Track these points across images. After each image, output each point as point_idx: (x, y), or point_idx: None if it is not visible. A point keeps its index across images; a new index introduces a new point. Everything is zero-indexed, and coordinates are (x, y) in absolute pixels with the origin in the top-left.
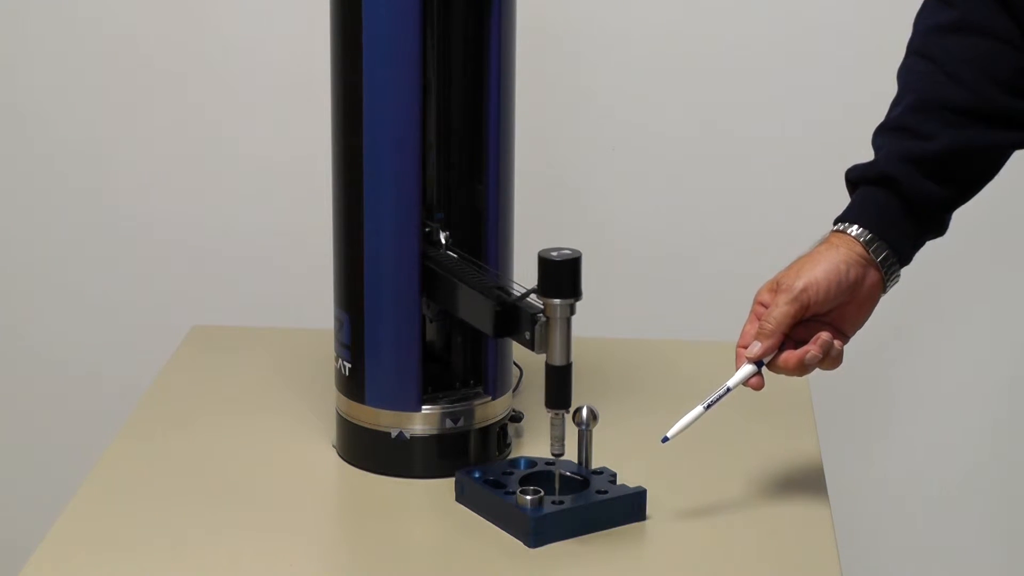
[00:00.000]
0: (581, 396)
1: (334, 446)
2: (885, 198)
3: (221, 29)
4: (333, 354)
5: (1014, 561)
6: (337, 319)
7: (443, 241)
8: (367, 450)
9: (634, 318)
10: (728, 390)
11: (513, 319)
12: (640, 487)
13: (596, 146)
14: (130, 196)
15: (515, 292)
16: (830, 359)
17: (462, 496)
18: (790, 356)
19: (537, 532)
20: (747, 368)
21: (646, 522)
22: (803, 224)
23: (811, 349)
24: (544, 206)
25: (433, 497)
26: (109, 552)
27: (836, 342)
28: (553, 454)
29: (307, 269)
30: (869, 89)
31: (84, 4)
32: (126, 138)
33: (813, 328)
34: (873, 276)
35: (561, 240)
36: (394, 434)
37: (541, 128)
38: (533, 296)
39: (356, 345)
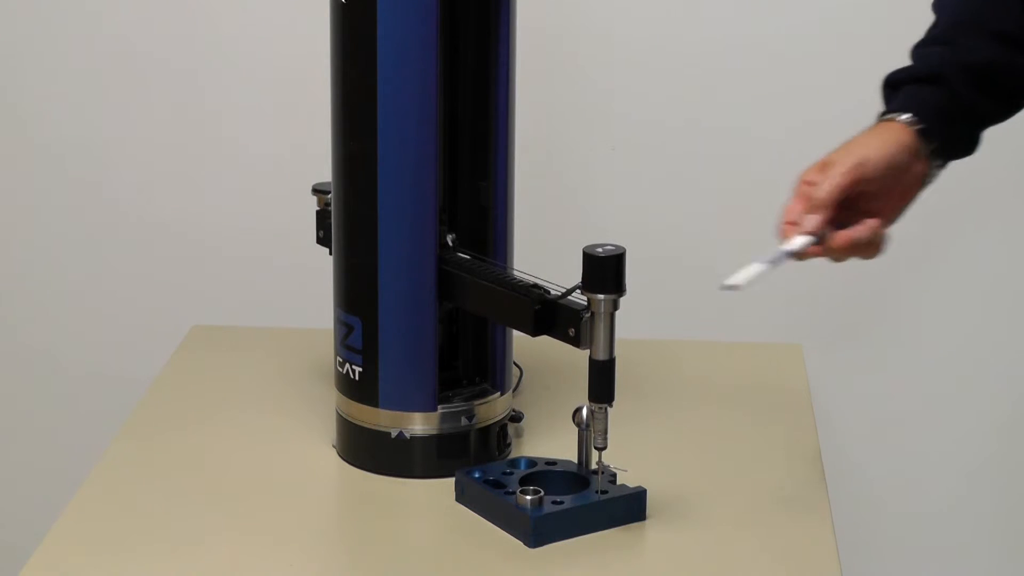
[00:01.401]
0: (582, 396)
1: (334, 446)
2: (934, 94)
3: (221, 28)
4: (333, 354)
5: (1014, 562)
6: (344, 324)
7: (450, 243)
8: (367, 450)
9: (634, 318)
10: (789, 253)
11: (553, 316)
12: (640, 487)
13: (596, 146)
14: (130, 195)
15: (552, 290)
16: (874, 245)
17: (462, 496)
18: (840, 235)
19: (537, 532)
20: (805, 238)
21: (646, 522)
22: None
23: (860, 230)
24: (544, 205)
25: (433, 497)
26: (109, 552)
27: (883, 229)
28: (596, 447)
29: (307, 269)
30: (873, 86)
31: (84, 3)
32: (126, 137)
33: (853, 218)
34: (917, 167)
35: (560, 239)
36: (394, 434)
37: (541, 127)
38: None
39: (369, 350)
